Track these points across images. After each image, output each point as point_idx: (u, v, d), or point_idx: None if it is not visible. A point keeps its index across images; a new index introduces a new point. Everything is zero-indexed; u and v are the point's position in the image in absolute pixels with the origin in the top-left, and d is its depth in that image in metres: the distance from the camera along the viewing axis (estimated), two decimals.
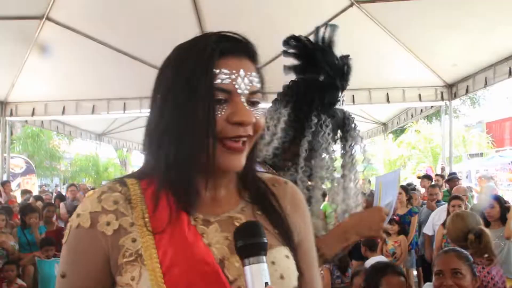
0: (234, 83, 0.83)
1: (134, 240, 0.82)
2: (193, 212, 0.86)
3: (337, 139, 1.69)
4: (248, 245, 0.75)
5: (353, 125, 1.69)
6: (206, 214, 0.88)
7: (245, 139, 0.85)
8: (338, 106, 1.67)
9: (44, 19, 5.62)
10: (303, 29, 6.51)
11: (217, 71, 0.82)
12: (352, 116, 1.75)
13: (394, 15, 5.62)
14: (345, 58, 1.75)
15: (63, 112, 8.23)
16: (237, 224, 0.85)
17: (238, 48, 0.87)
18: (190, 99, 0.82)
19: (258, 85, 0.87)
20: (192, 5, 5.52)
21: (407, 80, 7.48)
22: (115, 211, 0.85)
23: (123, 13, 5.79)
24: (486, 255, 2.96)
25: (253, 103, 0.86)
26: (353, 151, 1.70)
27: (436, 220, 5.26)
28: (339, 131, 1.68)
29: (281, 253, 0.88)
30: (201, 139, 0.81)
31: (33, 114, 8.25)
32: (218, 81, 0.82)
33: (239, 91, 0.83)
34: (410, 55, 6.39)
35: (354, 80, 6.40)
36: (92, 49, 6.40)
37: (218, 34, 0.88)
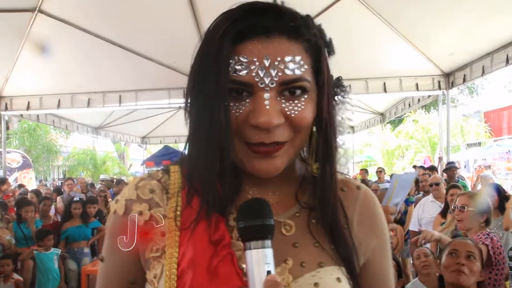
0: (253, 74, 0.68)
1: (163, 234, 0.75)
2: (225, 212, 0.76)
3: None
4: (251, 226, 0.65)
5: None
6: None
7: (275, 144, 0.71)
8: None
9: (36, 11, 5.55)
10: None
11: (234, 60, 0.69)
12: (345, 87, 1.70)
13: (390, 4, 5.58)
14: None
15: (58, 106, 8.17)
16: (285, 232, 0.76)
17: (264, 25, 0.70)
18: (205, 96, 0.71)
19: (300, 70, 0.70)
20: None
21: (404, 69, 7.44)
22: (150, 200, 0.80)
23: (117, 4, 5.72)
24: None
25: (292, 94, 0.71)
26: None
27: (420, 214, 5.20)
28: None
29: (331, 275, 0.74)
30: (214, 138, 0.70)
31: (28, 108, 8.19)
32: (234, 73, 0.69)
33: (260, 84, 0.69)
34: (407, 44, 6.35)
35: (350, 70, 6.41)
36: (86, 42, 6.34)
37: (241, 9, 0.72)
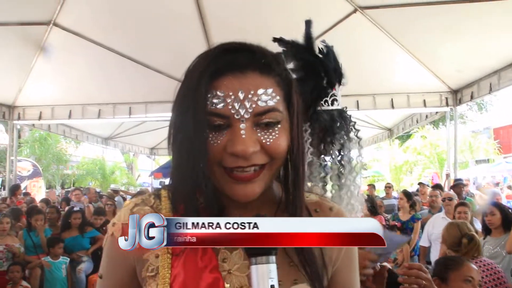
0: (229, 106, 0.74)
1: (157, 256, 0.82)
2: None
3: (328, 143, 1.62)
4: None
5: (343, 129, 1.62)
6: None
7: (255, 167, 0.77)
8: (326, 107, 1.60)
9: (51, 24, 5.71)
10: None
11: (211, 94, 0.74)
12: (348, 119, 1.66)
13: (397, 21, 5.63)
14: (328, 50, 1.65)
15: (69, 116, 8.32)
16: None
17: (238, 63, 0.76)
18: (185, 127, 0.76)
19: (272, 102, 0.76)
20: (196, 11, 5.57)
21: (411, 85, 7.47)
22: None
23: (129, 19, 5.86)
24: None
25: (267, 124, 0.76)
26: (340, 158, 1.61)
27: (430, 231, 5.21)
28: (328, 135, 1.61)
29: None
30: (195, 165, 0.76)
31: (40, 118, 8.36)
32: (212, 106, 0.74)
33: (236, 115, 0.74)
34: (414, 60, 6.39)
35: (358, 85, 6.46)
36: (98, 54, 6.48)
37: (218, 49, 0.79)
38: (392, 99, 7.72)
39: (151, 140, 14.81)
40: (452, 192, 6.16)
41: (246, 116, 0.74)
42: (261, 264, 0.65)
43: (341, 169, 1.60)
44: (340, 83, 1.66)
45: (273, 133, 0.77)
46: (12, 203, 7.60)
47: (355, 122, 1.70)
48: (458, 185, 6.89)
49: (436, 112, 8.58)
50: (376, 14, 5.51)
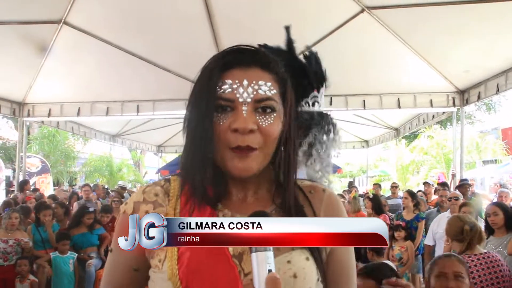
0: (235, 92, 0.89)
1: None
2: (216, 207, 0.95)
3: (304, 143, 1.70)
4: None
5: (321, 130, 1.70)
6: (235, 212, 0.96)
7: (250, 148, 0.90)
8: (306, 107, 1.69)
9: (61, 23, 5.79)
10: (314, 35, 6.60)
11: (221, 82, 0.90)
12: (329, 120, 1.75)
13: (405, 21, 5.64)
14: (311, 55, 1.76)
15: (78, 114, 8.42)
16: None
17: (244, 59, 0.92)
18: (198, 109, 0.91)
19: (270, 93, 0.91)
20: (205, 11, 5.62)
21: (418, 85, 7.47)
22: (154, 202, 0.99)
23: (138, 18, 5.93)
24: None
25: (264, 110, 0.91)
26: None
27: (435, 229, 5.23)
28: (305, 134, 1.68)
29: (300, 255, 0.92)
30: (204, 144, 0.90)
31: (49, 115, 8.46)
32: (221, 91, 0.89)
33: (240, 99, 0.89)
34: (421, 60, 6.39)
35: (365, 85, 6.48)
36: (108, 53, 6.56)
37: (228, 49, 0.96)
38: (399, 99, 7.72)
39: (159, 138, 14.90)
40: (457, 192, 6.16)
41: (248, 100, 0.89)
42: (259, 252, 0.75)
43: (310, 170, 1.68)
44: (322, 86, 1.74)
45: (269, 119, 0.91)
46: (22, 199, 7.71)
47: (335, 124, 1.79)
48: (463, 185, 6.89)
49: (443, 112, 8.57)
50: (383, 14, 5.52)
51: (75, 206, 8.35)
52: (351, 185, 14.48)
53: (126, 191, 11.04)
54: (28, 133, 13.05)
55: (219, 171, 0.94)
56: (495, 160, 18.31)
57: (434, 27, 5.62)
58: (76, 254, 5.72)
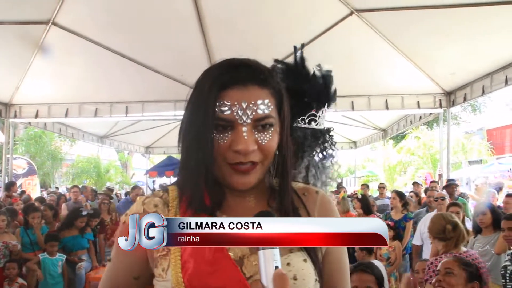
0: (234, 114, 0.91)
1: None
2: (214, 214, 0.97)
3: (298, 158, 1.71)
4: None
5: (314, 148, 1.73)
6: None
7: (251, 163, 0.94)
8: (302, 124, 1.71)
9: (50, 23, 5.74)
10: (303, 37, 6.64)
11: (219, 103, 0.91)
12: (324, 139, 1.79)
13: (393, 24, 5.71)
14: (320, 75, 1.78)
15: (66, 115, 8.34)
16: None
17: (241, 77, 0.93)
18: (196, 124, 0.94)
19: (268, 110, 0.93)
20: (195, 12, 5.61)
21: (405, 87, 7.57)
22: (155, 212, 0.97)
23: (127, 18, 5.90)
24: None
25: (263, 127, 0.94)
26: (305, 174, 1.71)
27: (423, 229, 5.30)
28: (299, 151, 1.71)
29: (299, 257, 0.95)
30: (203, 158, 0.92)
31: (36, 116, 8.37)
32: (220, 112, 0.91)
33: (240, 120, 0.91)
34: (409, 63, 6.49)
35: (353, 86, 6.55)
36: (96, 54, 6.52)
37: (224, 65, 0.97)
38: (386, 100, 7.82)
39: (147, 139, 14.82)
40: (444, 192, 6.26)
41: (247, 121, 0.92)
42: (266, 250, 0.77)
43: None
44: (323, 106, 1.78)
45: (267, 135, 0.95)
46: (7, 200, 7.60)
47: (334, 143, 1.83)
48: (450, 185, 6.99)
49: (430, 114, 8.69)
50: (372, 17, 5.58)
51: (63, 208, 8.27)
52: (339, 185, 14.58)
53: (114, 193, 10.98)
54: (14, 134, 12.89)
55: (217, 182, 0.98)
56: (481, 161, 18.59)
57: (421, 30, 5.70)
58: (65, 256, 5.67)
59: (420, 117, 9.34)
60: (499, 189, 9.89)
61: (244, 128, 0.91)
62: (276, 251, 0.78)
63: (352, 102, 7.80)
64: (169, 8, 5.63)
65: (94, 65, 7.06)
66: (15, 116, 8.39)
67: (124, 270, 1.01)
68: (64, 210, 8.12)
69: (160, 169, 13.38)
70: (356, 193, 8.43)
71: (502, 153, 20.09)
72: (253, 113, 0.92)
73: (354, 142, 14.78)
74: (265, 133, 0.94)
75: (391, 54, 6.28)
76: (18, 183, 12.46)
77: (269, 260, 0.77)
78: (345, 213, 6.93)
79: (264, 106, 0.93)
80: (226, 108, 0.91)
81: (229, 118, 0.91)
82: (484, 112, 27.37)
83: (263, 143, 0.94)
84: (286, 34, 6.08)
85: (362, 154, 21.88)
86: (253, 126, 0.93)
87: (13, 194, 8.39)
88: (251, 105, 0.92)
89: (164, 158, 14.61)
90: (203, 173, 0.93)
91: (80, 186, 9.83)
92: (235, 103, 0.91)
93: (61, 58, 6.77)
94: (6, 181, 8.86)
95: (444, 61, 6.49)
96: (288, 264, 0.93)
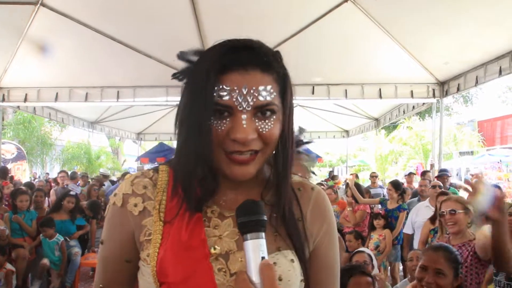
0: (234, 99, 0.84)
1: (153, 222, 0.94)
2: (201, 208, 0.93)
3: None
4: (248, 221, 0.78)
5: None
6: (223, 209, 0.95)
7: (251, 152, 0.88)
8: None
9: (38, 5, 5.59)
10: (297, 24, 6.58)
11: (218, 87, 0.85)
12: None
13: (388, 12, 5.66)
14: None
15: (56, 99, 8.18)
16: None
17: (242, 60, 0.86)
18: (194, 109, 0.87)
19: (270, 97, 0.86)
20: None
21: (399, 76, 7.54)
22: (143, 195, 0.97)
23: (119, 1, 5.77)
24: None
25: (264, 114, 0.87)
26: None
27: (414, 218, 5.32)
28: None
29: (285, 256, 0.92)
30: (199, 145, 0.87)
31: (25, 100, 8.20)
32: (219, 97, 0.84)
33: (239, 107, 0.85)
34: (404, 52, 6.45)
35: (347, 74, 6.51)
36: (87, 37, 6.38)
37: (224, 46, 0.89)
38: (380, 89, 7.79)
39: (138, 125, 14.70)
40: (426, 182, 6.27)
41: (247, 108, 0.85)
42: (252, 240, 0.77)
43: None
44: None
45: (269, 123, 0.88)
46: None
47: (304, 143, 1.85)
48: (442, 176, 7.02)
49: (423, 104, 8.69)
50: (367, 5, 5.52)
51: (51, 194, 8.20)
52: (331, 174, 14.63)
53: (108, 180, 10.91)
54: (2, 119, 12.70)
55: (212, 170, 0.92)
56: (471, 152, 18.76)
57: (417, 20, 5.66)
58: (62, 238, 5.61)
59: (413, 107, 9.34)
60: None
61: (243, 116, 0.85)
62: (262, 241, 0.77)
63: (346, 90, 7.76)
64: None
65: (84, 48, 6.92)
66: (3, 100, 8.21)
67: (115, 251, 0.98)
68: (52, 196, 8.06)
69: (152, 156, 13.31)
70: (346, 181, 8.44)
71: (493, 144, 20.28)
72: (254, 100, 0.85)
73: (347, 131, 14.80)
74: (267, 121, 0.88)
75: (386, 43, 6.24)
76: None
77: (256, 251, 0.76)
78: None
79: (266, 92, 0.86)
80: (225, 93, 0.84)
81: (228, 103, 0.85)
82: (475, 104, 27.59)
83: (264, 132, 0.87)
84: (281, 20, 6.00)
85: (354, 143, 21.95)
86: (254, 113, 0.86)
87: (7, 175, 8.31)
88: (252, 90, 0.85)
89: (156, 145, 14.53)
90: (199, 161, 0.88)
91: (69, 172, 9.75)
92: (235, 88, 0.84)
93: (50, 41, 6.62)
94: None
95: (438, 51, 6.46)
96: (274, 263, 0.89)
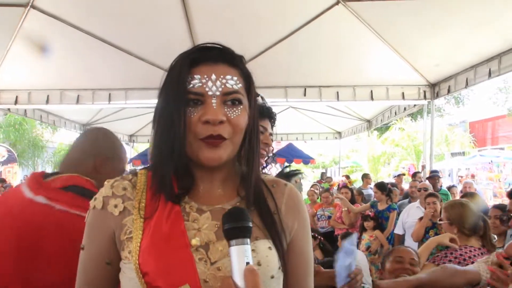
0: (205, 86, 0.95)
1: (133, 220, 0.98)
2: (179, 202, 0.99)
3: None
4: (234, 228, 0.82)
5: None
6: (201, 204, 1.00)
7: (221, 137, 0.96)
8: None
9: (29, 7, 5.56)
10: (289, 27, 6.59)
11: (190, 77, 0.95)
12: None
13: (379, 14, 5.68)
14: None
15: (47, 101, 8.13)
16: None
17: (211, 56, 0.98)
18: (168, 102, 0.96)
19: (237, 86, 0.98)
20: None
21: (391, 78, 7.58)
22: (123, 196, 1.01)
23: (110, 3, 5.75)
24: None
25: (232, 103, 0.98)
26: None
27: (405, 219, 5.36)
28: None
29: (263, 244, 0.98)
30: (174, 136, 0.95)
31: (16, 102, 8.14)
32: (191, 86, 0.95)
33: (209, 93, 0.95)
34: (395, 54, 6.48)
35: (338, 77, 6.53)
36: (78, 39, 6.34)
37: (195, 47, 1.02)
38: (371, 91, 7.82)
39: (130, 127, 14.61)
40: (427, 182, 6.31)
41: (217, 93, 0.95)
42: (238, 246, 0.80)
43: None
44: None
45: (236, 111, 0.98)
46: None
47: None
48: (433, 177, 7.06)
49: (414, 105, 8.75)
50: (358, 7, 5.54)
51: None
52: (323, 176, 14.67)
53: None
54: None
55: (187, 164, 1.01)
56: (463, 152, 18.89)
57: (407, 22, 5.69)
58: None
59: (405, 109, 9.39)
60: None
61: (213, 100, 0.95)
62: (247, 247, 0.81)
63: (337, 92, 7.78)
64: None
65: (75, 50, 6.87)
66: None
67: (96, 254, 1.00)
68: None
69: (144, 158, 13.26)
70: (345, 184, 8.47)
71: (484, 145, 20.44)
72: (222, 86, 0.96)
73: (339, 133, 14.84)
74: (234, 108, 0.97)
75: (377, 45, 6.26)
76: None
77: (241, 257, 0.79)
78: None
79: (233, 81, 0.97)
80: (197, 81, 0.95)
81: (199, 91, 0.95)
82: (467, 105, 27.81)
83: (233, 117, 0.96)
84: (272, 22, 6.01)
85: (347, 145, 22.02)
86: (222, 100, 0.96)
87: None
88: (220, 77, 0.96)
89: (148, 147, 14.43)
90: (174, 156, 0.96)
91: None
92: (205, 76, 0.95)
93: (41, 43, 6.57)
94: None
95: (429, 53, 6.51)
96: (253, 250, 0.92)
